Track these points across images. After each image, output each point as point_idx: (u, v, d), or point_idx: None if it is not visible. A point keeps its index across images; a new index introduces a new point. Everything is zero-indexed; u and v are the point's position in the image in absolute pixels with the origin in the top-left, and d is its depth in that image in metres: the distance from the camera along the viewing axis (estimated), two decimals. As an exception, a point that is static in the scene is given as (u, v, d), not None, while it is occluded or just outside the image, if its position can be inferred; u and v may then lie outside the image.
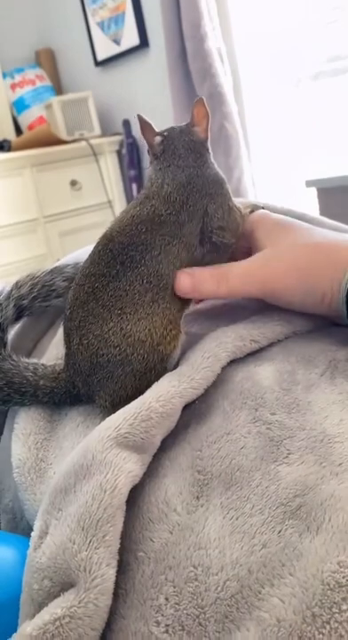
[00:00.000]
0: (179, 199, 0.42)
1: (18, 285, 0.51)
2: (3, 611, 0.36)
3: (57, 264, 0.54)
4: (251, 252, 0.46)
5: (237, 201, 0.49)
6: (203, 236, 0.43)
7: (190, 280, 0.42)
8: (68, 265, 0.53)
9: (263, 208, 0.50)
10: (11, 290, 0.50)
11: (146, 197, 0.43)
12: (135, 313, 0.41)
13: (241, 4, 1.98)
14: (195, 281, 0.43)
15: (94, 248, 0.44)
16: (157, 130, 0.46)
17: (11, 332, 0.53)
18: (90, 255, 0.44)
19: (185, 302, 0.44)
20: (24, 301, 0.50)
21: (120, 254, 0.41)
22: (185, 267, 0.43)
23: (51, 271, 0.52)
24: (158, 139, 0.45)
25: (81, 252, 0.61)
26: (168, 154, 0.44)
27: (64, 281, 0.51)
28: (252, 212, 0.49)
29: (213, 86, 1.92)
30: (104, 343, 0.41)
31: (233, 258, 0.47)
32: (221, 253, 0.45)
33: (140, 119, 0.46)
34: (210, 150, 0.46)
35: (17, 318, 0.51)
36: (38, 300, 0.51)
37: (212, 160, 0.46)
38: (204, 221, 0.43)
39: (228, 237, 0.44)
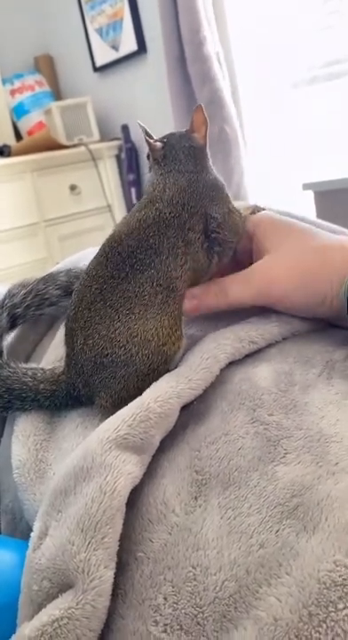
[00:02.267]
0: (181, 201, 0.43)
1: (10, 294, 0.51)
2: (2, 613, 0.36)
3: (50, 272, 0.54)
4: (253, 252, 0.47)
5: (238, 204, 0.49)
6: (206, 236, 0.44)
7: (194, 302, 0.45)
8: (61, 273, 0.53)
9: (264, 209, 0.51)
10: (4, 299, 0.51)
11: (150, 201, 0.44)
12: (144, 313, 0.41)
13: (238, 9, 1.99)
14: (199, 301, 0.45)
15: (100, 250, 0.44)
16: (156, 136, 0.47)
17: (10, 336, 0.53)
18: (96, 257, 0.44)
19: None
20: (17, 310, 0.51)
21: (129, 257, 0.42)
22: (194, 268, 0.43)
23: (44, 279, 0.52)
24: (159, 144, 0.46)
25: (76, 257, 0.62)
26: (168, 159, 0.45)
27: (57, 289, 0.52)
28: (253, 212, 0.49)
29: (213, 90, 1.92)
30: (110, 343, 0.41)
31: (237, 258, 0.47)
32: (224, 252, 0.46)
33: (141, 127, 0.47)
34: (209, 156, 0.47)
35: (11, 327, 0.51)
36: (32, 309, 0.52)
37: (211, 165, 0.46)
38: (205, 221, 0.44)
39: (229, 236, 0.45)
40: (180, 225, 0.43)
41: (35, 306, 0.52)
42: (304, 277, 0.43)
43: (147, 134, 0.47)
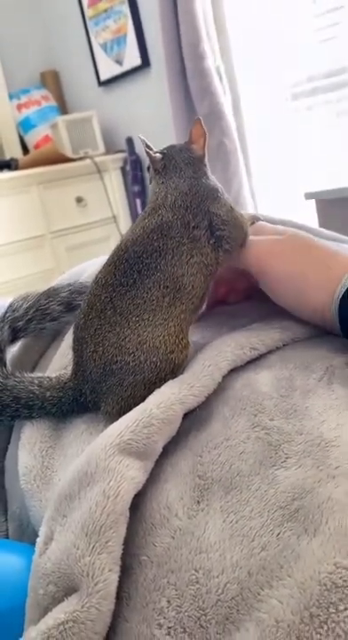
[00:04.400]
0: (183, 204, 0.44)
1: (12, 308, 0.52)
2: (9, 617, 0.36)
3: (52, 286, 0.55)
4: None
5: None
6: (211, 233, 0.45)
7: None
8: (63, 288, 0.54)
9: (262, 220, 0.51)
10: (6, 312, 0.52)
11: (153, 209, 0.45)
12: (152, 319, 0.42)
13: (239, 22, 2.01)
14: None
15: (109, 259, 0.45)
16: (158, 148, 0.48)
17: (15, 348, 0.54)
18: (104, 266, 0.45)
19: (199, 302, 0.45)
20: (19, 323, 0.52)
21: (136, 263, 0.43)
22: (201, 263, 0.44)
23: (46, 294, 0.53)
24: (159, 156, 0.47)
25: (78, 269, 0.63)
26: (169, 168, 0.47)
27: (59, 305, 0.53)
28: (252, 223, 0.50)
29: (212, 104, 1.94)
30: (119, 350, 0.42)
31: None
32: (231, 249, 0.46)
33: (142, 140, 0.48)
34: (208, 166, 0.48)
35: (13, 340, 0.52)
36: (33, 323, 0.53)
37: (210, 174, 0.47)
38: (210, 219, 0.44)
39: (234, 233, 0.45)
40: (184, 225, 0.44)
41: (37, 320, 0.53)
42: (297, 278, 0.44)
43: (147, 146, 0.48)
